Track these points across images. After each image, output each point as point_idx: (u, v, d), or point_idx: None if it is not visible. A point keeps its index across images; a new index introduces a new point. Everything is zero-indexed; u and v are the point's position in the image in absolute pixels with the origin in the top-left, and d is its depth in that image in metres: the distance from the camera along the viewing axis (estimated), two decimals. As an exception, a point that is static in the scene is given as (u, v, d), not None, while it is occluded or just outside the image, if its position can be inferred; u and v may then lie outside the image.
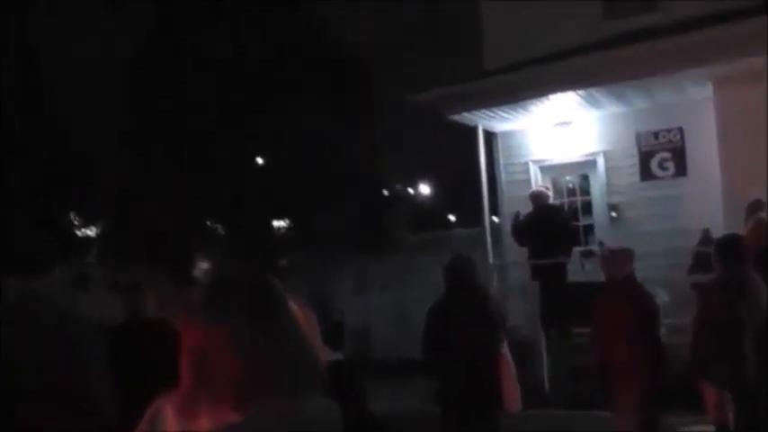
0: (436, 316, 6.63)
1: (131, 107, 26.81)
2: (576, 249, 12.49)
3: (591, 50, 11.45)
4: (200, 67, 25.75)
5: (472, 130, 13.20)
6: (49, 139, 25.87)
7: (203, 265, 19.47)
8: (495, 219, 14.70)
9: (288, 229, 26.21)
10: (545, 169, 13.74)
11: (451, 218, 39.63)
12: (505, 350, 6.64)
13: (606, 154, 13.06)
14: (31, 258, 21.24)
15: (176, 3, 27.26)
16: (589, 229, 13.35)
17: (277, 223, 26.20)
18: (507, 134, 13.99)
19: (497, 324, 6.62)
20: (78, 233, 24.78)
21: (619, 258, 6.96)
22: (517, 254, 12.90)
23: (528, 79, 11.77)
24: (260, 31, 26.72)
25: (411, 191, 35.75)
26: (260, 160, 27.03)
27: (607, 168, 13.09)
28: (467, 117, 12.95)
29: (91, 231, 24.90)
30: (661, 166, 12.64)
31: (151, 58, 26.47)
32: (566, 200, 13.61)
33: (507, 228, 13.44)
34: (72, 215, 24.93)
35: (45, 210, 23.49)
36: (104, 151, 26.78)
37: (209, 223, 23.80)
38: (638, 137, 12.80)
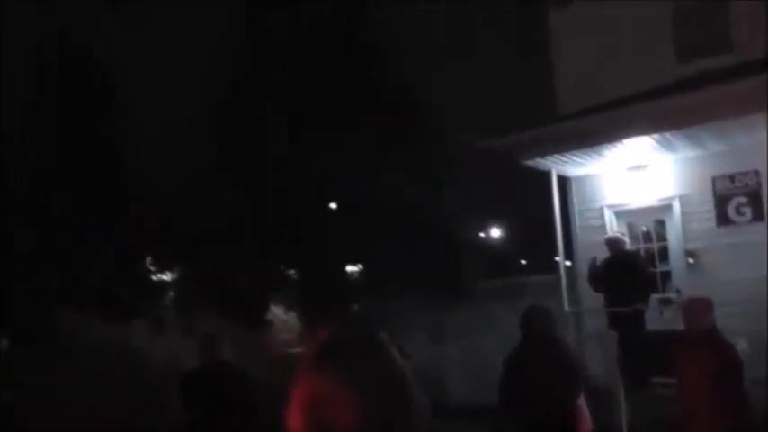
0: (512, 367, 6.54)
1: (208, 153, 27.20)
2: (654, 296, 12.26)
3: (665, 93, 11.33)
4: (275, 111, 26.08)
5: (546, 176, 13.13)
6: (128, 184, 26.38)
7: (276, 310, 19.59)
8: (569, 263, 14.55)
9: (360, 274, 26.24)
10: (620, 214, 13.57)
11: (524, 262, 39.37)
12: (581, 401, 6.52)
13: (682, 199, 12.84)
14: (114, 303, 21.64)
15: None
16: (666, 275, 13.11)
17: (350, 268, 26.25)
18: (581, 179, 13.89)
19: (574, 376, 6.51)
20: (154, 278, 25.15)
21: (699, 308, 6.82)
22: (593, 300, 12.72)
23: (602, 124, 11.66)
24: (336, 77, 26.98)
25: (484, 235, 35.61)
26: (333, 205, 27.17)
27: (683, 213, 12.84)
28: (540, 162, 12.87)
29: (166, 276, 25.27)
30: (738, 211, 12.37)
31: (226, 110, 26.89)
32: (642, 245, 13.40)
33: (582, 273, 13.28)
34: (148, 260, 25.35)
35: (125, 255, 23.90)
36: (178, 194, 27.17)
37: (282, 267, 23.97)
38: (714, 181, 12.57)
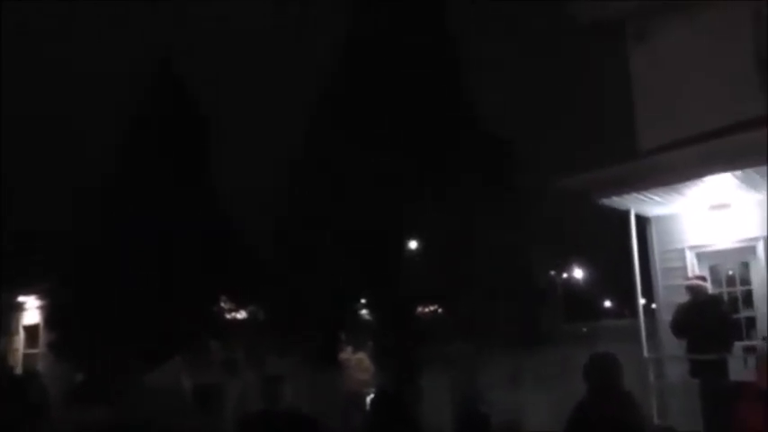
0: (577, 420, 6.10)
1: (290, 199, 27.37)
2: (738, 344, 11.59)
3: (748, 128, 10.74)
4: (358, 151, 26.05)
5: (624, 215, 12.62)
6: (210, 224, 26.55)
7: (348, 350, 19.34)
8: (653, 305, 14.04)
9: (437, 316, 25.88)
10: (702, 256, 12.93)
11: (607, 305, 38.54)
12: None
13: (767, 240, 12.17)
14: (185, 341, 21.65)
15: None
16: (751, 321, 12.39)
17: (427, 309, 25.92)
18: (661, 219, 13.31)
19: (639, 429, 6.03)
20: (228, 316, 25.15)
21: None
22: (675, 346, 12.13)
23: (682, 160, 11.11)
24: (418, 116, 26.92)
25: (564, 277, 34.98)
26: (413, 245, 26.88)
27: (768, 254, 12.16)
28: (618, 201, 12.38)
29: (240, 315, 25.25)
30: (827, 254, 11.66)
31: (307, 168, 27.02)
32: (725, 289, 12.72)
33: (663, 318, 12.73)
34: (223, 299, 25.38)
35: (198, 293, 23.96)
36: (256, 235, 27.32)
37: (356, 308, 23.78)
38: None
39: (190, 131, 28.24)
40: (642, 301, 12.67)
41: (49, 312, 25.11)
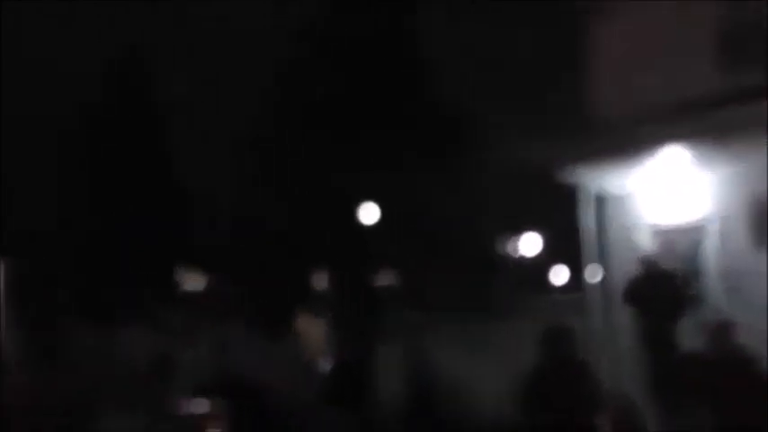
0: (532, 388, 6.23)
1: (249, 164, 27.25)
2: (688, 317, 11.81)
3: (704, 106, 10.88)
4: (308, 123, 25.97)
5: (578, 190, 12.78)
6: (166, 185, 26.49)
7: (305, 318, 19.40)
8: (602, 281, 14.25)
9: (389, 287, 25.99)
10: (656, 233, 13.11)
11: (561, 278, 38.92)
12: (605, 423, 6.20)
13: (719, 218, 12.27)
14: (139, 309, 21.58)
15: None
16: (701, 296, 12.61)
17: (379, 281, 25.99)
18: (617, 196, 13.44)
19: (596, 400, 6.17)
20: (186, 286, 25.07)
21: (723, 329, 6.50)
22: (626, 318, 12.33)
23: (637, 136, 11.26)
24: (372, 85, 26.85)
25: (516, 251, 35.21)
26: (369, 216, 26.88)
27: (721, 234, 12.31)
28: (572, 176, 12.52)
29: (196, 284, 25.16)
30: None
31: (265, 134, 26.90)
32: (677, 266, 12.91)
33: (616, 291, 12.94)
34: (181, 268, 25.30)
35: (154, 262, 23.91)
36: (215, 200, 27.25)
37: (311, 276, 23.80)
38: (754, 199, 11.96)
39: (154, 125, 28.23)
40: (596, 276, 12.89)
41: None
